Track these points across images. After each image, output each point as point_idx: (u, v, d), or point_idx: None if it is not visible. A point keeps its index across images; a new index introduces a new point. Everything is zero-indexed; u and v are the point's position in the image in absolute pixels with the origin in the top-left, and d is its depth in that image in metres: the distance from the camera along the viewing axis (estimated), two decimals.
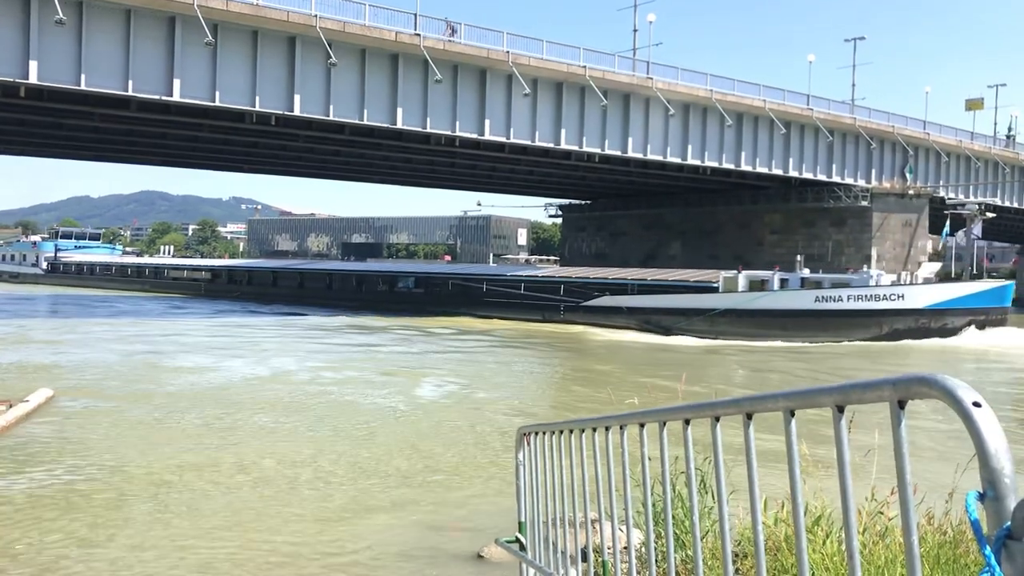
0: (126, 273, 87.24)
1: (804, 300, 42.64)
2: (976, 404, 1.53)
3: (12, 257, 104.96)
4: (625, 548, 3.79)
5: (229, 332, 38.20)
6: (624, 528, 4.80)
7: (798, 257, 48.33)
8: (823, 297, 42.57)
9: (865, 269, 47.73)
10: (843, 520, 1.94)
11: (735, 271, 45.89)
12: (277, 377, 23.87)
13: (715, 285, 44.33)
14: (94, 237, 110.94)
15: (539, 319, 47.88)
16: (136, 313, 50.68)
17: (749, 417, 2.43)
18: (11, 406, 15.62)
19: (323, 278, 65.77)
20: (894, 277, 48.19)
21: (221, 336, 36.27)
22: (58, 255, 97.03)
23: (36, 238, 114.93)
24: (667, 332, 42.26)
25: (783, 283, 43.96)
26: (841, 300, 42.29)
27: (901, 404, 1.73)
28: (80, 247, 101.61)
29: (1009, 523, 1.41)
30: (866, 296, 42.40)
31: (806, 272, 45.96)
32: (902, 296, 43.10)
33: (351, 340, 36.66)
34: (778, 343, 39.51)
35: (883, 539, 5.17)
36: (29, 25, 28.37)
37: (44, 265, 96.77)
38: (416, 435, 15.85)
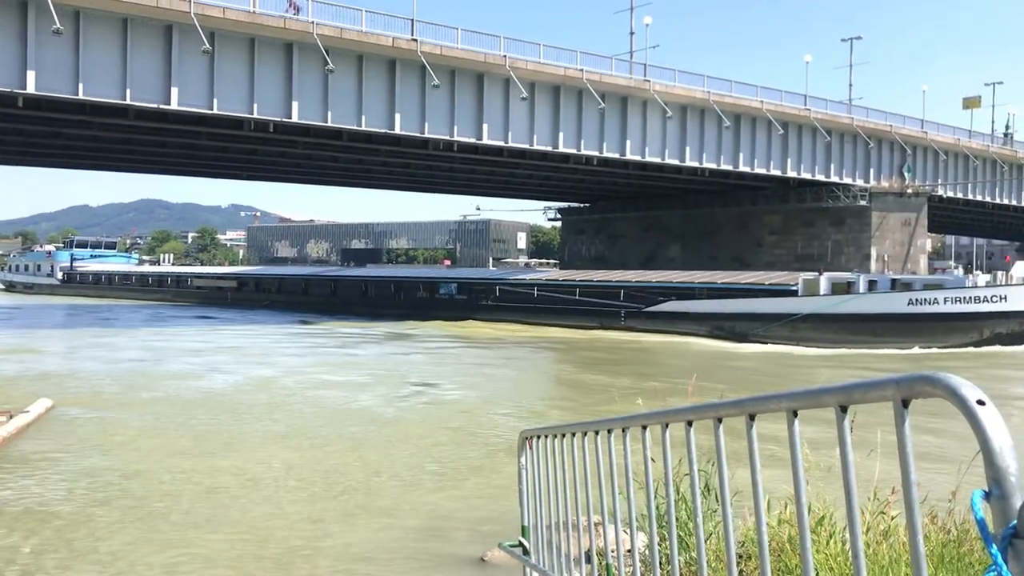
0: (147, 282, 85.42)
1: (896, 303, 39.80)
2: (980, 402, 1.52)
3: (26, 267, 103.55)
4: (629, 551, 3.78)
5: (303, 347, 35.98)
6: (628, 531, 4.79)
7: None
8: (917, 300, 39.71)
9: (951, 268, 46.08)
10: (847, 520, 1.94)
11: (816, 273, 43.75)
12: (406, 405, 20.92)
13: (793, 288, 41.87)
14: (110, 246, 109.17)
15: (596, 326, 45.83)
16: (167, 321, 49.74)
17: (752, 418, 2.42)
18: (11, 416, 15.60)
19: (358, 285, 64.10)
20: (988, 277, 46.03)
21: (295, 353, 33.54)
22: (74, 265, 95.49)
23: (50, 247, 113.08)
24: (742, 339, 40.17)
25: (871, 285, 41.89)
26: (937, 303, 39.36)
27: (905, 403, 1.72)
28: (96, 256, 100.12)
29: (1015, 521, 1.40)
30: (964, 298, 39.62)
31: (888, 274, 44.07)
32: (1004, 297, 40.05)
33: (412, 350, 35.23)
34: (867, 350, 36.67)
35: (887, 539, 5.15)
36: (26, 35, 28.38)
37: (59, 275, 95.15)
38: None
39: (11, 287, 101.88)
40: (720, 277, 46.07)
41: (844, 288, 41.56)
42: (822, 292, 41.08)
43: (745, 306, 42.19)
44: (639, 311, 45.13)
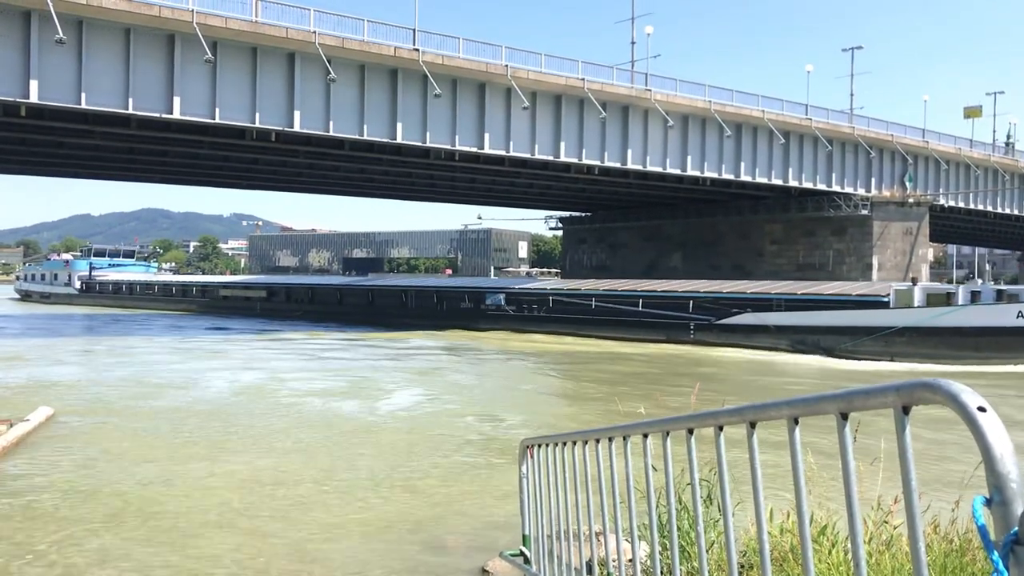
0: (170, 292, 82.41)
1: (1004, 316, 36.43)
2: (981, 409, 1.52)
3: (42, 276, 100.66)
4: (630, 561, 3.77)
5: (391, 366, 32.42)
6: (629, 540, 4.78)
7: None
8: None
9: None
10: (849, 529, 1.93)
11: (908, 283, 41.29)
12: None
13: (884, 299, 38.99)
14: (128, 255, 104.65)
15: (663, 339, 42.88)
16: (225, 334, 47.20)
17: (753, 426, 2.41)
18: (11, 425, 15.59)
19: (397, 295, 60.91)
20: None
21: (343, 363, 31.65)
22: (93, 274, 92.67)
23: (68, 256, 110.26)
24: (828, 354, 37.59)
25: (974, 296, 38.95)
26: None
27: (905, 410, 1.72)
28: (114, 265, 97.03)
29: (1016, 528, 1.40)
30: None
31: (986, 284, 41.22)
32: None
33: (465, 366, 32.53)
34: (973, 367, 33.48)
35: (889, 548, 5.14)
36: (29, 45, 28.49)
37: (77, 284, 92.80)
38: None
39: (27, 296, 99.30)
40: (800, 288, 43.58)
41: (942, 299, 38.61)
42: (916, 303, 38.36)
43: (832, 319, 39.34)
44: (710, 324, 42.33)
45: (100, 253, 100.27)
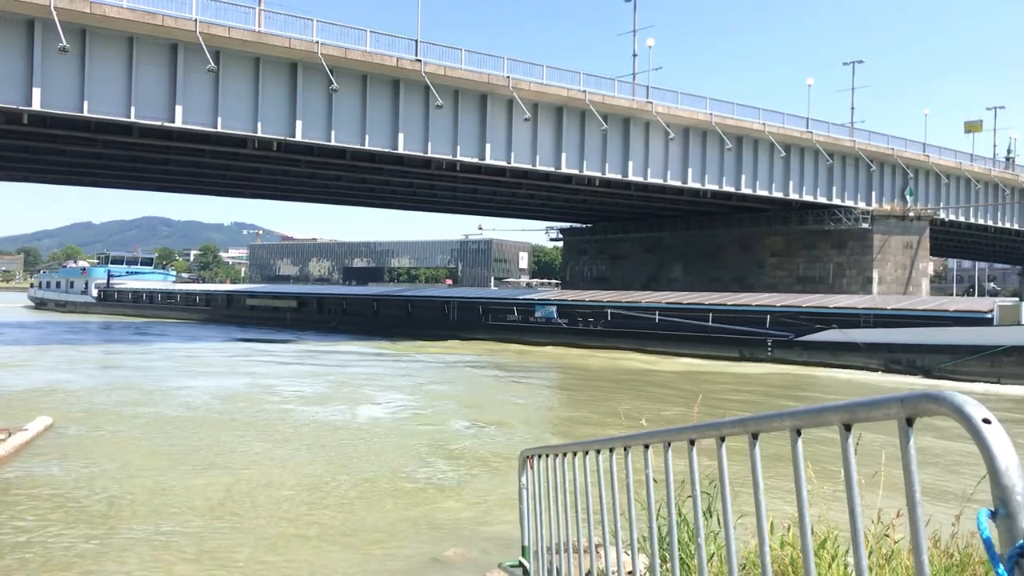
0: (192, 301, 79.78)
1: None
2: (986, 421, 1.51)
3: (58, 284, 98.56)
4: (630, 573, 3.75)
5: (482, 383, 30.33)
6: (629, 552, 4.76)
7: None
8: None
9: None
10: (851, 541, 1.91)
11: (1015, 299, 39.10)
12: None
13: (987, 316, 36.16)
14: (146, 262, 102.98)
15: (737, 356, 40.26)
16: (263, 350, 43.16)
17: (755, 437, 2.40)
18: (10, 434, 15.55)
19: (439, 306, 58.18)
20: None
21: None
22: (111, 282, 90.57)
23: (84, 264, 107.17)
24: (926, 374, 35.25)
25: None
26: None
27: (909, 422, 1.71)
28: (133, 273, 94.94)
29: (1022, 541, 1.39)
30: None
31: None
32: None
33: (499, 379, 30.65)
34: None
35: (889, 562, 5.11)
36: (33, 53, 28.59)
37: (95, 292, 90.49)
38: None
39: (41, 304, 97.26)
40: (889, 303, 41.02)
41: None
42: None
43: (930, 336, 36.55)
44: (790, 340, 39.51)
45: (118, 261, 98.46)
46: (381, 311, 61.85)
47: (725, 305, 43.62)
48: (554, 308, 50.28)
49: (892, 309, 39.02)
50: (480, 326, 52.37)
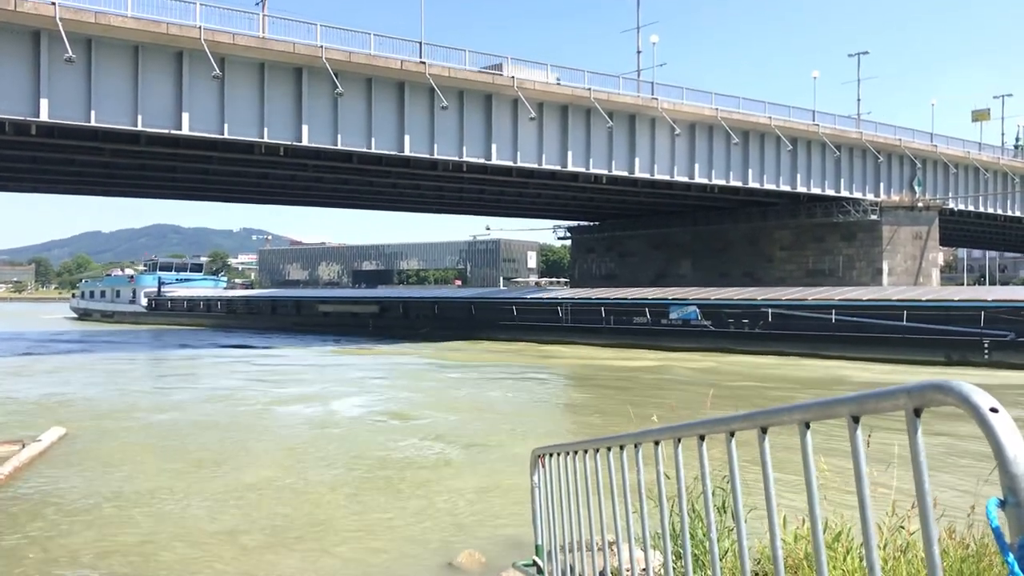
0: (256, 309, 75.74)
1: None
2: (993, 410, 1.51)
3: (103, 293, 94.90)
4: (644, 571, 3.75)
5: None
6: (643, 549, 4.76)
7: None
8: None
9: None
10: (863, 534, 1.91)
11: None
12: None
13: None
14: (196, 268, 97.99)
15: (943, 360, 34.43)
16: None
17: (764, 431, 2.40)
18: (24, 445, 15.60)
19: (552, 309, 52.32)
20: None
21: None
22: (162, 290, 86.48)
23: (131, 271, 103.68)
24: None
25: None
26: None
27: (917, 412, 1.71)
28: (182, 280, 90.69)
29: None
30: None
31: None
32: None
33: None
34: None
35: (904, 554, 5.09)
36: (39, 64, 28.73)
37: (144, 301, 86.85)
38: None
39: (86, 315, 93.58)
40: None
41: None
42: None
43: None
44: (1014, 341, 33.86)
45: (166, 267, 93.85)
46: (478, 314, 56.66)
47: (919, 301, 38.57)
48: (694, 308, 45.24)
49: None
50: (603, 330, 48.02)
